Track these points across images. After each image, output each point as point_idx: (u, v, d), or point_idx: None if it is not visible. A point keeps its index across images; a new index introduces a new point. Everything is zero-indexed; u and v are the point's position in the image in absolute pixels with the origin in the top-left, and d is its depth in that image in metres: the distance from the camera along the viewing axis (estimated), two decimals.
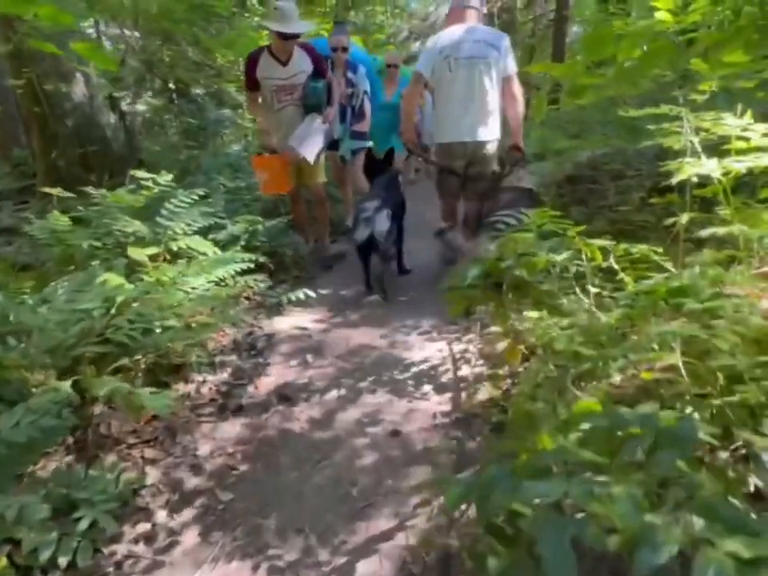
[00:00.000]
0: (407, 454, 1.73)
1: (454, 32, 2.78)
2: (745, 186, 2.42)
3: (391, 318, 2.80)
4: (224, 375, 2.22)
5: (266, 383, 2.18)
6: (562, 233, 2.08)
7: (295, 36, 3.07)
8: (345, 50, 3.67)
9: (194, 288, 2.32)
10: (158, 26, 5.01)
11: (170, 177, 2.85)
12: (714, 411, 1.26)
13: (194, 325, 2.06)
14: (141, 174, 2.76)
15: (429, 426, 1.88)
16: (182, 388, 2.08)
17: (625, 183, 3.00)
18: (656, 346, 1.48)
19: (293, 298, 2.70)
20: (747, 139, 1.97)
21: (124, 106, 6.18)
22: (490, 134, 2.82)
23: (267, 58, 3.14)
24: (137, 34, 6.22)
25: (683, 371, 1.29)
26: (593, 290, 2.23)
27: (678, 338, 1.35)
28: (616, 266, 1.93)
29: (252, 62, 3.16)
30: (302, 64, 3.16)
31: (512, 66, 2.79)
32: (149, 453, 1.73)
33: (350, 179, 4.19)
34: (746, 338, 1.39)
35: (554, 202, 3.45)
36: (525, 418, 1.20)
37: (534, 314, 2.23)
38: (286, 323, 2.72)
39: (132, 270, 2.32)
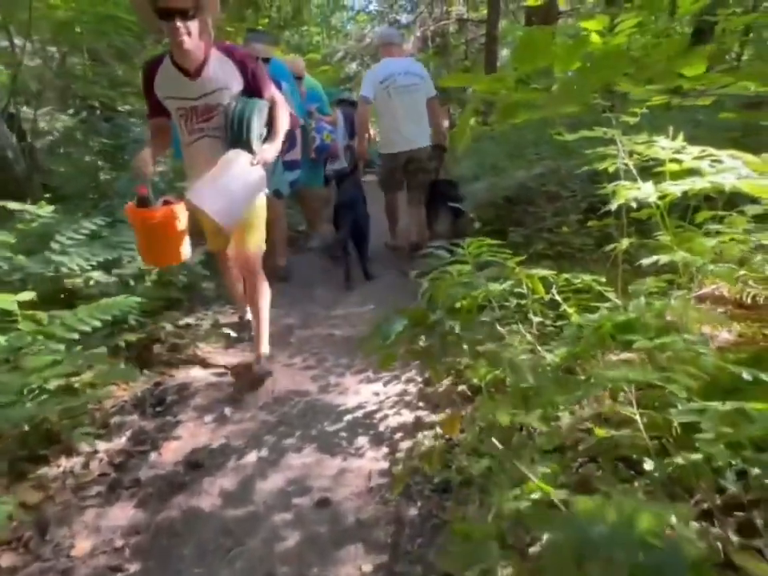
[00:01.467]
0: (337, 530, 1.47)
1: (388, 65, 3.55)
2: (675, 207, 2.37)
3: (325, 355, 2.54)
4: (121, 440, 1.87)
5: (173, 448, 1.85)
6: (500, 261, 1.93)
7: (185, 12, 1.85)
8: (266, 61, 3.18)
9: (85, 334, 1.97)
10: (67, 38, 4.56)
11: (50, 208, 2.46)
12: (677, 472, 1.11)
13: (77, 385, 1.71)
14: (12, 204, 2.36)
15: (363, 490, 1.63)
16: (63, 463, 1.71)
17: (561, 205, 2.94)
18: (605, 390, 1.33)
19: (211, 338, 2.39)
20: (680, 161, 1.92)
21: (40, 124, 5.60)
22: (422, 141, 3.65)
23: (168, 69, 2.04)
24: (59, 49, 5.69)
25: (641, 426, 1.13)
26: (535, 319, 2.10)
27: (632, 384, 1.20)
28: (558, 298, 1.80)
29: (148, 74, 2.07)
30: (221, 75, 2.03)
31: (433, 89, 3.67)
32: (7, 559, 1.36)
33: (281, 218, 3.58)
34: (700, 379, 1.26)
35: (493, 225, 3.37)
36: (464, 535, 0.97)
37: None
38: (202, 368, 2.40)
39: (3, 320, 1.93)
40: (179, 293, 2.62)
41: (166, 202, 2.02)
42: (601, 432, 1.17)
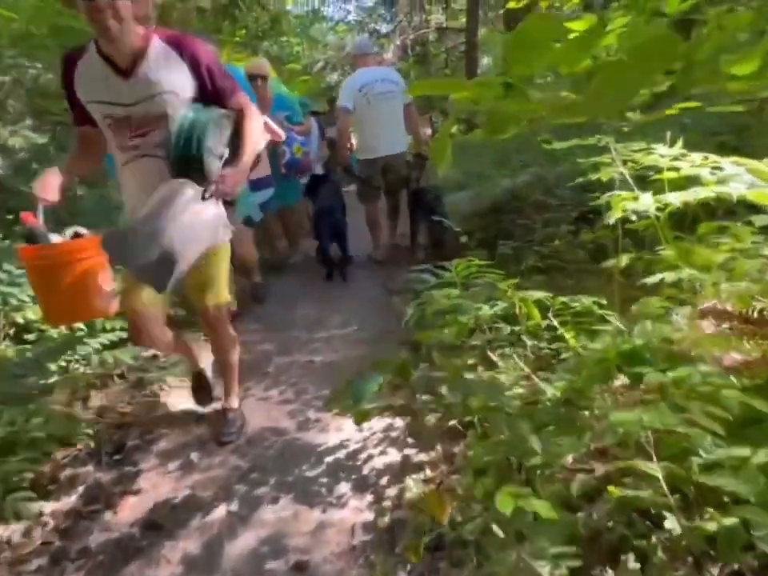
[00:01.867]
0: None
1: (365, 74, 3.65)
2: (671, 216, 2.23)
3: (305, 386, 2.35)
4: (71, 499, 1.65)
5: (131, 504, 1.64)
6: (490, 282, 1.77)
7: None
8: (264, 78, 2.85)
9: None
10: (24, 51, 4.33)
11: None
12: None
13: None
14: None
15: (345, 549, 1.44)
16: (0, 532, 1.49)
17: (551, 215, 2.80)
18: (616, 436, 1.17)
19: (177, 372, 2.19)
20: (677, 169, 1.78)
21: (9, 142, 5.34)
22: (399, 147, 3.75)
23: (93, 63, 1.54)
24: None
25: (663, 484, 0.96)
26: (529, 342, 1.94)
27: (648, 431, 1.03)
28: (555, 323, 1.64)
29: (66, 70, 1.58)
30: (165, 74, 1.53)
31: (409, 96, 3.72)
32: None
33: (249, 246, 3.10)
34: (722, 420, 1.10)
35: (479, 236, 3.22)
36: None
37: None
38: (168, 406, 2.19)
39: None
40: None
41: (77, 235, 1.59)
42: (615, 491, 1.00)
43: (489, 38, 9.77)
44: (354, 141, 4.26)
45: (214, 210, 1.60)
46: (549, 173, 2.95)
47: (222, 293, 1.84)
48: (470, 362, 2.01)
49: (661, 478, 0.95)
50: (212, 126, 1.55)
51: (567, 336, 1.61)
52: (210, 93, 1.60)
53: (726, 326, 2.09)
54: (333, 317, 3.16)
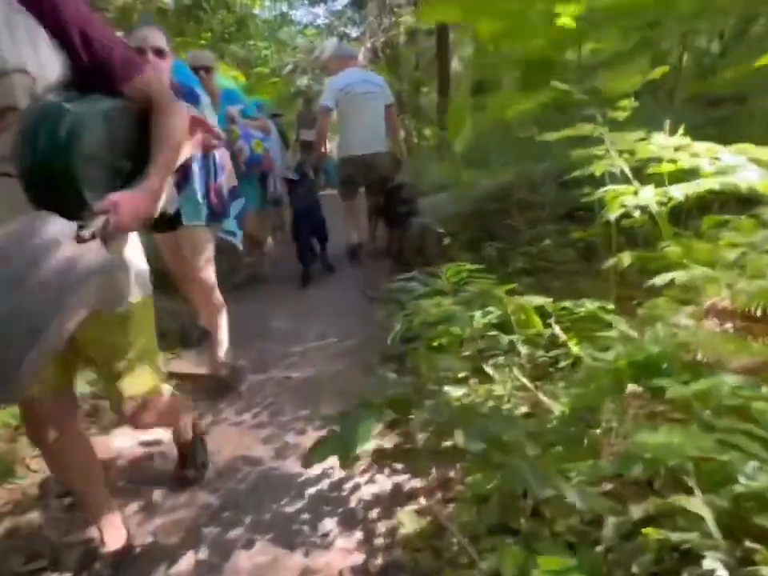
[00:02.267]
0: None
1: (348, 75, 3.74)
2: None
3: (281, 406, 2.15)
4: (6, 559, 1.42)
5: (78, 561, 1.41)
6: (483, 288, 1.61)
7: None
8: (159, 54, 1.90)
9: None
10: None
11: None
12: None
13: None
14: None
15: None
16: None
17: (536, 214, 2.68)
18: (642, 463, 1.02)
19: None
20: (675, 161, 1.67)
21: None
22: (379, 146, 3.78)
23: None
24: None
25: (712, 525, 0.81)
26: (524, 350, 1.79)
27: (688, 461, 0.88)
28: (558, 331, 1.49)
29: None
30: (5, 42, 0.93)
31: (391, 97, 3.87)
32: None
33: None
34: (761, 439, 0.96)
35: (462, 238, 3.08)
36: None
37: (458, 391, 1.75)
38: (129, 437, 1.95)
39: None
40: None
41: None
42: (653, 532, 0.85)
43: (459, 40, 9.74)
44: (329, 144, 4.29)
45: (98, 258, 0.93)
46: (533, 170, 2.84)
47: (144, 379, 1.27)
48: (461, 375, 1.86)
49: (710, 518, 0.80)
50: (95, 123, 0.97)
51: (571, 344, 1.47)
52: (88, 70, 1.00)
53: (729, 325, 1.98)
54: (310, 328, 2.96)
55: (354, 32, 13.24)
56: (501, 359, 1.84)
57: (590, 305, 1.42)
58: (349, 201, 3.94)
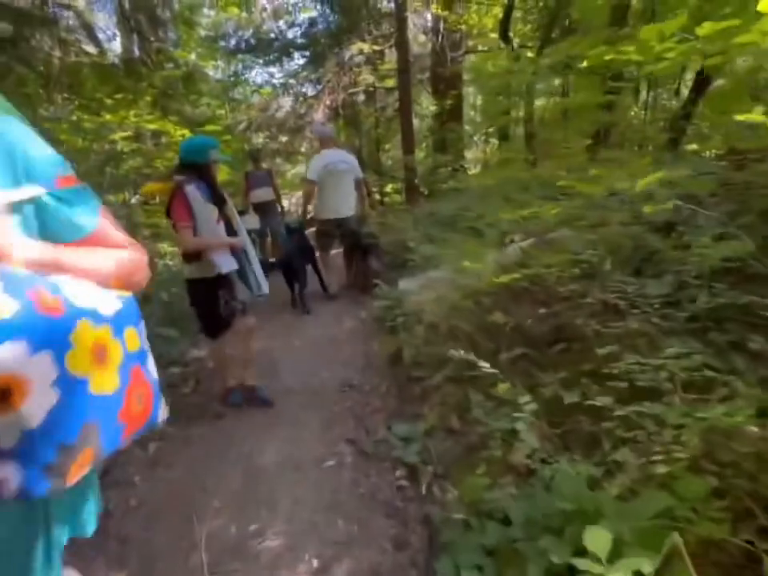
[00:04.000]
0: None
1: (329, 155, 4.80)
2: None
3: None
4: None
5: None
6: None
7: None
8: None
9: None
10: None
11: None
12: None
13: None
14: None
15: None
16: None
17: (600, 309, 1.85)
18: None
19: None
20: None
21: None
22: (348, 211, 4.91)
23: None
24: None
25: None
26: None
27: None
28: None
29: None
30: None
31: (360, 172, 5.02)
32: None
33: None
34: None
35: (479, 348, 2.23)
36: None
37: None
38: None
39: None
40: None
41: None
42: None
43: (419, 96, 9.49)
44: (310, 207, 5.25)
45: None
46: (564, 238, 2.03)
47: None
48: None
49: None
50: None
51: None
52: None
53: None
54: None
55: (310, 90, 12.92)
56: None
57: None
58: (324, 251, 5.07)
